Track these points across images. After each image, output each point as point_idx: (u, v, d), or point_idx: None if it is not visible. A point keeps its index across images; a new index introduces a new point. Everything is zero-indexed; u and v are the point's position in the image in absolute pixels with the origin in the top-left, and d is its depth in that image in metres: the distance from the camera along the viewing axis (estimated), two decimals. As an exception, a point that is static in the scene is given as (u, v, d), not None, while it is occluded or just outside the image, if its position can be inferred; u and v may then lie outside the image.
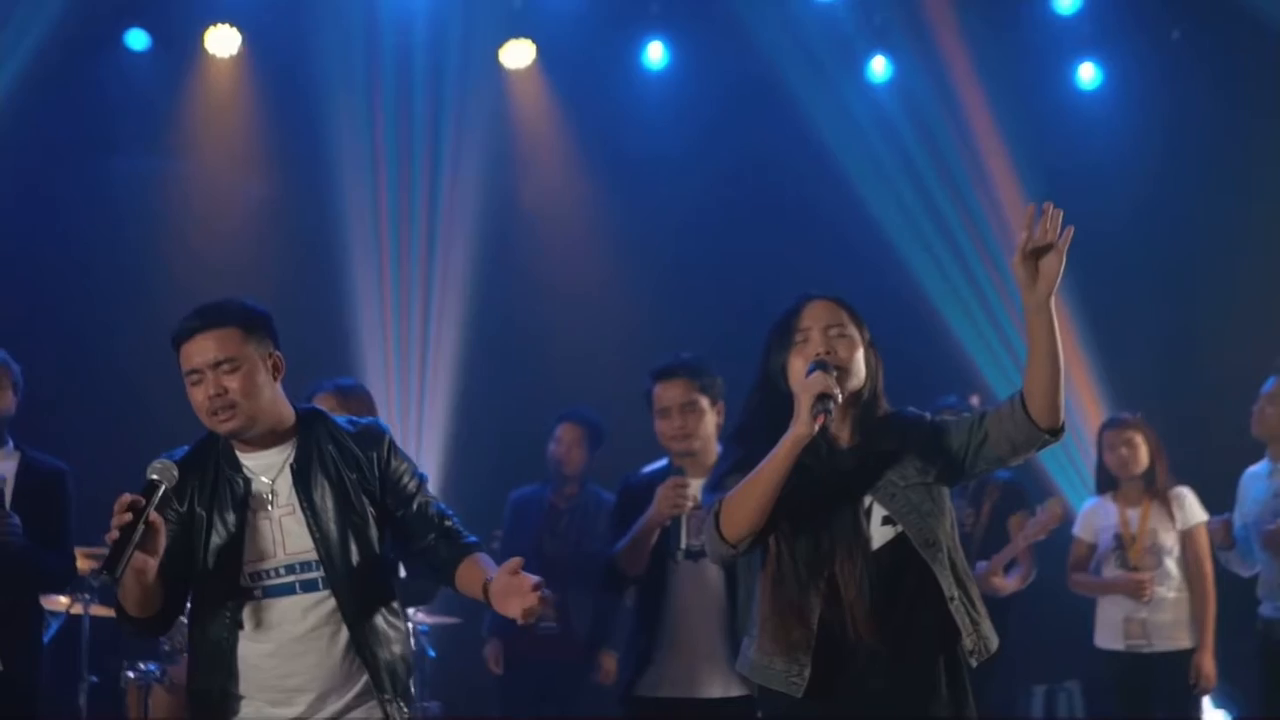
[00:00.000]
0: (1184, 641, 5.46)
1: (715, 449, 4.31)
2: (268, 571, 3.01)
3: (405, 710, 3.08)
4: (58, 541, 4.46)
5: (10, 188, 7.81)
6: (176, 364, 3.08)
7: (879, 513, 2.96)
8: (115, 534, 2.75)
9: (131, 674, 5.62)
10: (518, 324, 8.32)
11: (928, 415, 3.12)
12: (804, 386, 2.85)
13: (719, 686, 4.13)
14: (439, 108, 8.43)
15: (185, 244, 8.13)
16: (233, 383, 2.97)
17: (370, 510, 3.07)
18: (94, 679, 5.33)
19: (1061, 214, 2.81)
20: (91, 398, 7.62)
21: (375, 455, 3.11)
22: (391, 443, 3.17)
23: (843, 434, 2.94)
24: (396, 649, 3.08)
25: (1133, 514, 5.53)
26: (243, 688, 3.01)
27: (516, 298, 8.36)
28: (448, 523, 3.16)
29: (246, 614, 3.01)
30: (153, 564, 2.83)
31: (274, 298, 7.77)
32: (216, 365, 2.98)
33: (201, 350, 2.99)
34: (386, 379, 8.08)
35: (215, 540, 3.01)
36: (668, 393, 4.26)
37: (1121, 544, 5.51)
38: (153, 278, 7.97)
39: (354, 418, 3.22)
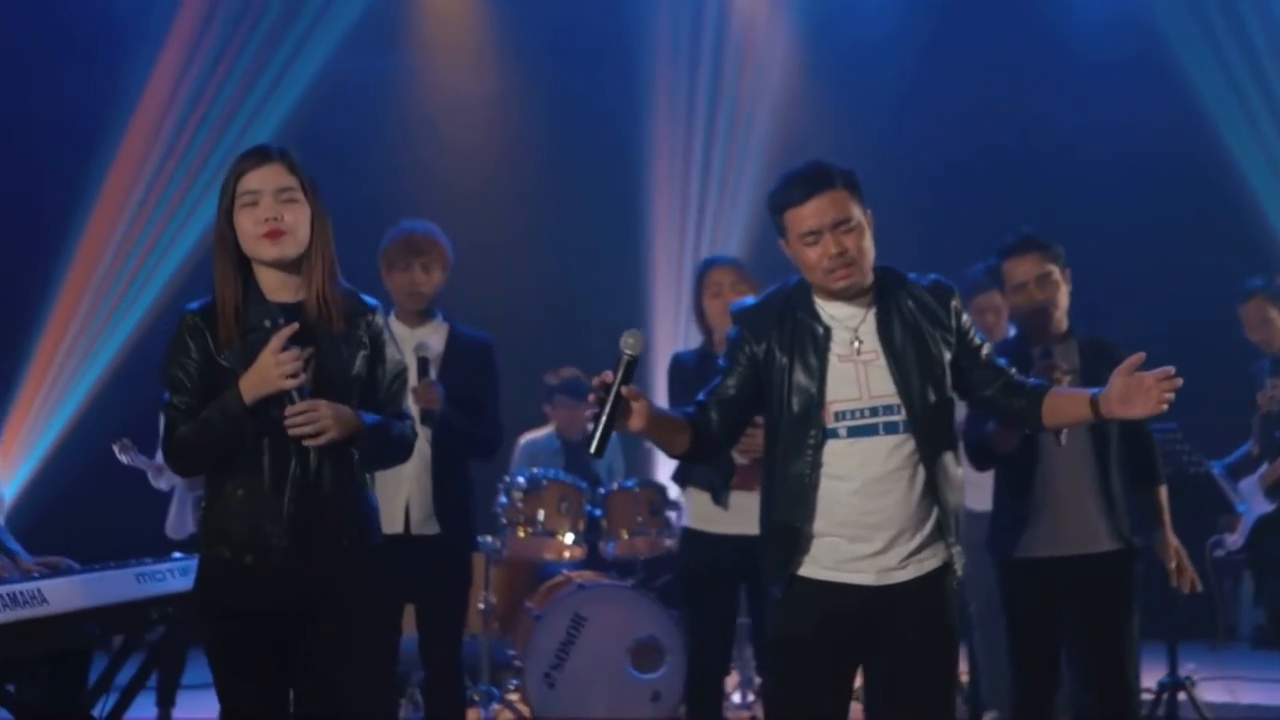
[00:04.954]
0: None
1: (1066, 319, 4.41)
2: (852, 412, 3.14)
3: (962, 557, 3.24)
4: (485, 410, 4.58)
5: (249, 82, 7.97)
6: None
7: None
8: (592, 414, 2.90)
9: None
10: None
11: None
12: None
13: (1095, 542, 4.26)
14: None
15: (432, 136, 8.27)
16: (849, 241, 3.12)
17: (946, 359, 3.21)
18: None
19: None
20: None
21: (951, 308, 3.26)
22: (961, 298, 3.31)
23: None
24: (958, 496, 3.25)
25: None
26: (819, 524, 3.15)
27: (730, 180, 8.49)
28: (1010, 373, 3.31)
29: (829, 452, 3.13)
30: (638, 424, 2.97)
31: (528, 186, 8.15)
32: (835, 226, 3.12)
33: (818, 212, 3.12)
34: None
35: (799, 382, 3.15)
36: (1021, 267, 4.35)
37: None
38: (399, 171, 8.13)
39: (919, 275, 3.34)
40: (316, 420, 2.94)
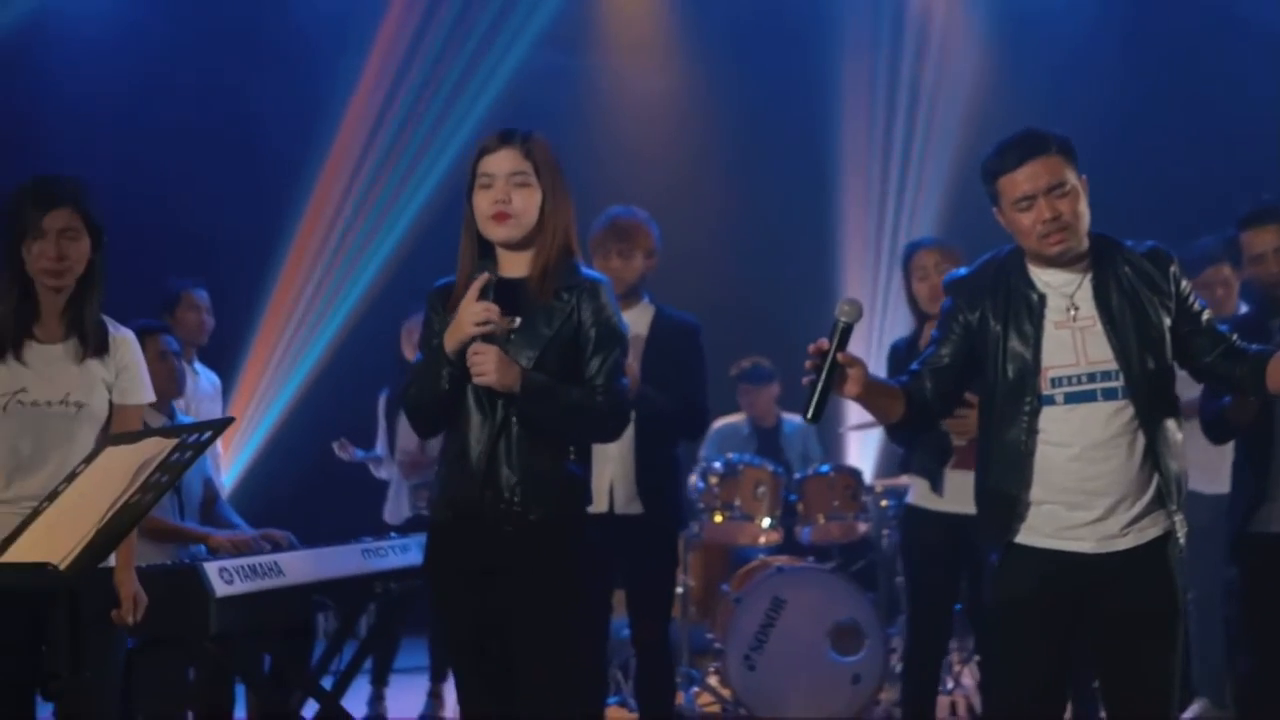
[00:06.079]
0: None
1: None
2: (1069, 378, 3.13)
3: (1185, 526, 3.20)
4: (689, 392, 4.58)
5: (428, 78, 8.25)
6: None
7: None
8: (809, 380, 2.94)
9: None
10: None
11: None
12: None
13: None
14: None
15: (621, 134, 8.43)
16: (1064, 206, 3.11)
17: (1165, 324, 3.18)
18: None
19: None
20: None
21: (1170, 274, 3.24)
22: (1181, 264, 3.29)
23: None
24: (1180, 462, 3.21)
25: None
26: (1036, 492, 3.14)
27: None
28: (1232, 339, 3.26)
29: (1047, 419, 3.13)
30: (853, 390, 3.01)
31: (717, 182, 8.26)
32: (1049, 191, 3.11)
33: (1032, 177, 3.12)
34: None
35: (1014, 349, 3.16)
36: (1260, 238, 4.28)
37: None
38: (592, 166, 8.30)
39: (1137, 242, 3.31)
40: (480, 363, 3.04)
